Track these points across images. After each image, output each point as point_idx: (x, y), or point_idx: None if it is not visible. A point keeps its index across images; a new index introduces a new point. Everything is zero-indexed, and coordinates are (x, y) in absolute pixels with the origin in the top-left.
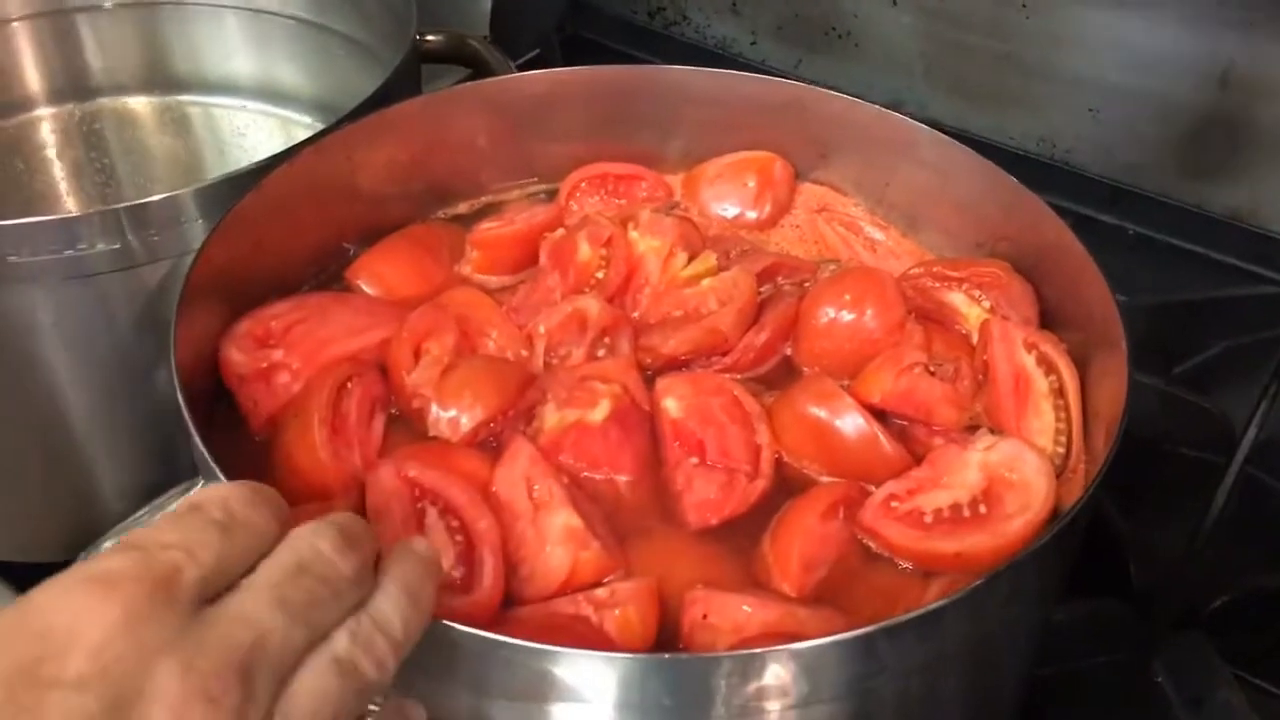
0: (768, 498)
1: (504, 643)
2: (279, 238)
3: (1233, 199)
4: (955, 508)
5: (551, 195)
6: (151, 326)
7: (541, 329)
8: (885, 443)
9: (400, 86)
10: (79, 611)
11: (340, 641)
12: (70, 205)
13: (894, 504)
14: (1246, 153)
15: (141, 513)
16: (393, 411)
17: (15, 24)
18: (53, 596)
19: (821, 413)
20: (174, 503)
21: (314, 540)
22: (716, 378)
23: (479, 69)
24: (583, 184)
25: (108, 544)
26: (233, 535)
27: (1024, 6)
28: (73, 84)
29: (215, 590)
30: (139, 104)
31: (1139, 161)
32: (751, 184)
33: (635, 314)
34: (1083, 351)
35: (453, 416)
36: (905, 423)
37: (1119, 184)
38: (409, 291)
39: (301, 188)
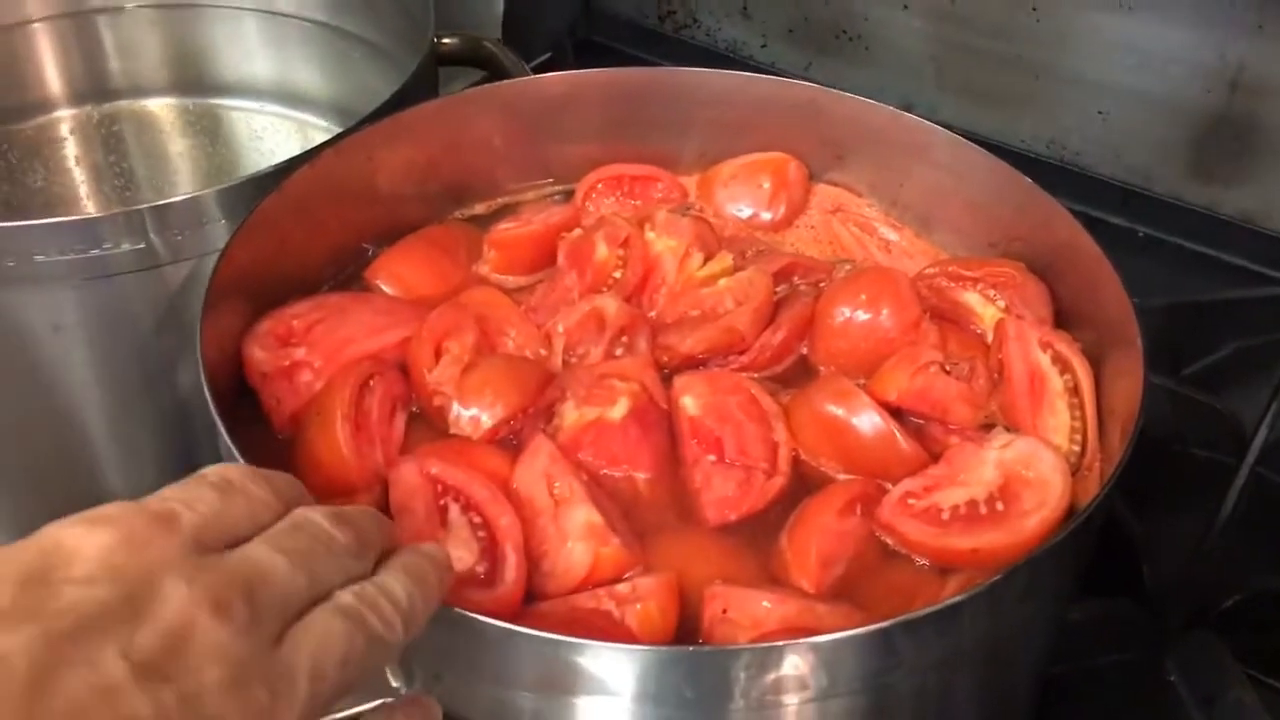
0: (785, 495)
1: (528, 634)
2: (300, 238)
3: (1243, 201)
4: (972, 505)
5: (567, 196)
6: (173, 326)
7: (560, 328)
8: (902, 440)
9: (418, 89)
10: (80, 535)
11: (345, 596)
12: (89, 206)
13: (911, 501)
14: (1256, 155)
15: None
16: (413, 409)
17: (35, 25)
18: (53, 528)
19: (838, 411)
20: None
21: (307, 513)
22: (733, 376)
23: (494, 71)
24: (599, 185)
25: None
26: (230, 497)
27: (1034, 9)
28: (92, 86)
29: (213, 544)
30: (158, 106)
31: (1149, 164)
32: (766, 185)
33: (652, 313)
34: (1097, 350)
35: (474, 414)
36: (921, 421)
37: (1129, 186)
38: (427, 291)
39: (322, 188)
